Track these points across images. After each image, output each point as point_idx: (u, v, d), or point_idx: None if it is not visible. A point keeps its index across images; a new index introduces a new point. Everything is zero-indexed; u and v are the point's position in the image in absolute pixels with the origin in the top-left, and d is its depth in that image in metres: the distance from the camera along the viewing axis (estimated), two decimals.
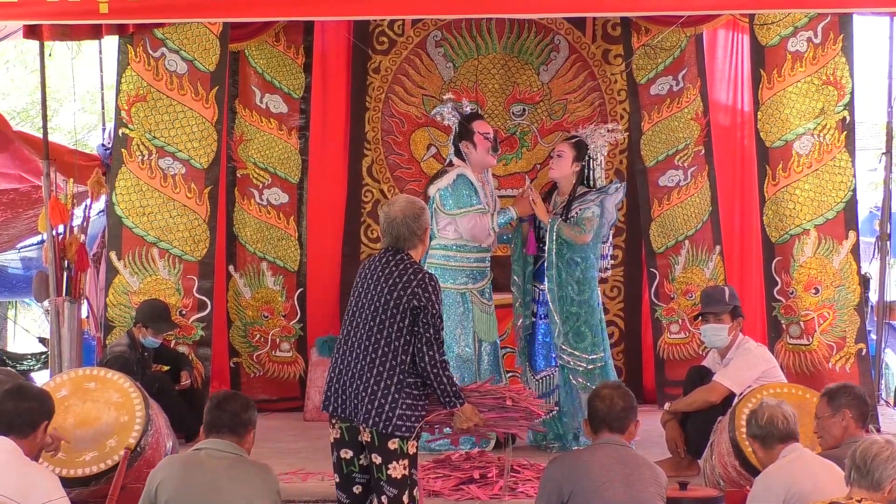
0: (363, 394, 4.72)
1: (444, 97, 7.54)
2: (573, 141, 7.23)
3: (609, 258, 7.37)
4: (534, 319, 7.22)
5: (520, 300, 7.25)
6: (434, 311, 4.74)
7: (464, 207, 7.02)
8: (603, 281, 8.04)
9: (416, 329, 4.73)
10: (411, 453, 4.74)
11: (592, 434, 4.59)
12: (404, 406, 4.71)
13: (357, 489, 4.85)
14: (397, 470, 4.70)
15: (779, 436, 4.71)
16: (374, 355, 4.74)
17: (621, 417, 4.53)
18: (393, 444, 4.70)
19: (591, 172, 7.17)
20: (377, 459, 4.72)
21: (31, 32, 7.27)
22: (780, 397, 5.41)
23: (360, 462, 4.81)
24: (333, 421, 4.86)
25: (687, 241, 8.69)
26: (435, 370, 4.74)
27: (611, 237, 7.33)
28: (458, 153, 7.16)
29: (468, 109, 7.30)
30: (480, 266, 7.16)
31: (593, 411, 4.58)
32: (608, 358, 7.13)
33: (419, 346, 4.73)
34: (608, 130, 7.25)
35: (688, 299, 8.62)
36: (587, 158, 7.15)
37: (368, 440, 4.73)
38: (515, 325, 7.38)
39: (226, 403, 4.66)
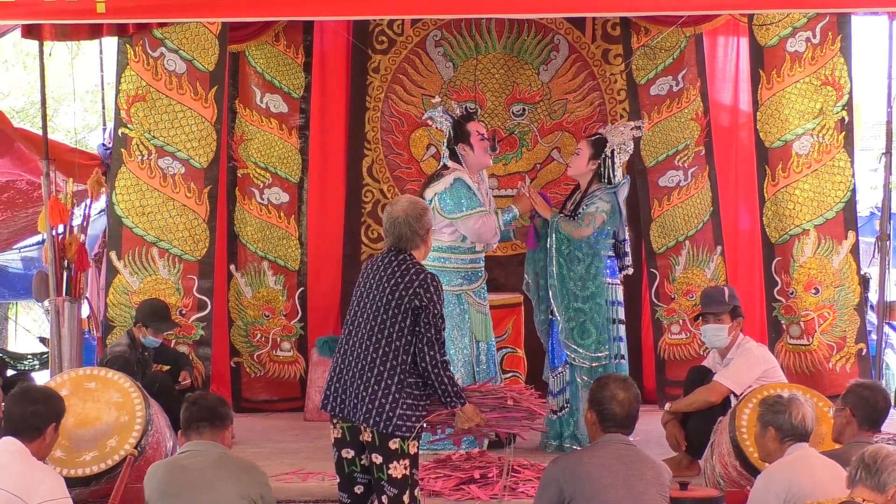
0: (364, 393, 4.72)
1: (434, 100, 7.50)
2: (592, 139, 7.21)
3: (628, 256, 7.28)
4: (551, 317, 7.18)
5: (536, 300, 7.22)
6: (435, 311, 4.75)
7: (465, 211, 7.02)
8: None
9: (417, 329, 4.74)
10: (412, 453, 4.74)
11: (600, 431, 4.50)
12: (405, 406, 4.71)
13: (358, 489, 4.86)
14: (398, 470, 4.70)
15: (801, 435, 4.69)
16: (374, 355, 4.74)
17: (635, 419, 4.51)
18: (394, 444, 4.70)
19: (607, 170, 7.12)
20: (378, 459, 4.72)
21: (30, 32, 7.26)
22: None
23: (362, 462, 4.81)
24: (335, 421, 4.86)
25: (687, 242, 8.68)
26: (436, 370, 4.74)
27: (627, 233, 7.27)
28: (453, 155, 7.15)
29: (458, 111, 7.29)
30: (475, 267, 7.17)
31: (609, 413, 4.45)
32: (616, 357, 7.07)
33: (420, 346, 4.74)
34: (630, 128, 7.20)
35: (688, 300, 8.61)
36: (603, 156, 7.12)
37: (369, 440, 4.73)
38: (536, 322, 7.35)
39: (202, 399, 4.78)
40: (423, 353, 4.73)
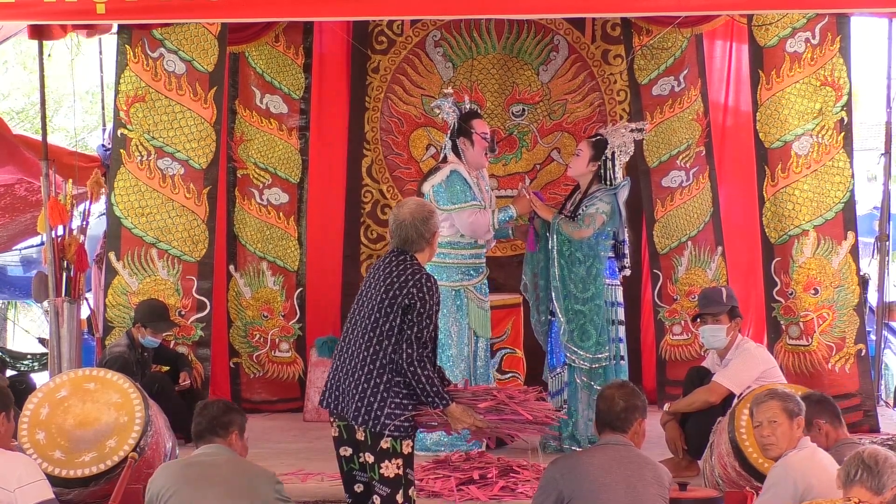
0: (354, 391, 4.73)
1: (445, 90, 7.51)
2: (593, 140, 7.20)
3: (626, 257, 7.27)
4: (551, 318, 7.17)
5: (533, 301, 7.20)
6: (423, 311, 4.71)
7: (458, 203, 7.02)
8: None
9: (402, 326, 4.72)
10: (405, 453, 4.73)
11: (598, 434, 4.58)
12: (393, 405, 4.69)
13: (359, 487, 4.84)
14: (390, 469, 4.69)
15: None
16: (366, 353, 4.74)
17: (622, 417, 4.52)
18: (385, 444, 4.69)
19: (608, 172, 7.11)
20: (370, 458, 4.72)
21: (36, 32, 7.24)
22: None
23: (360, 460, 4.80)
24: (332, 419, 4.86)
25: (689, 242, 8.67)
26: (412, 368, 4.69)
27: (626, 234, 7.25)
28: (455, 149, 7.16)
29: (468, 107, 7.30)
30: (475, 262, 7.17)
31: (596, 411, 4.58)
32: (616, 358, 7.06)
33: (401, 342, 4.70)
34: (630, 130, 7.18)
35: (690, 300, 8.57)
36: (604, 158, 7.10)
37: (362, 439, 4.73)
38: (533, 325, 7.34)
39: (205, 410, 4.75)
40: (401, 350, 4.70)
